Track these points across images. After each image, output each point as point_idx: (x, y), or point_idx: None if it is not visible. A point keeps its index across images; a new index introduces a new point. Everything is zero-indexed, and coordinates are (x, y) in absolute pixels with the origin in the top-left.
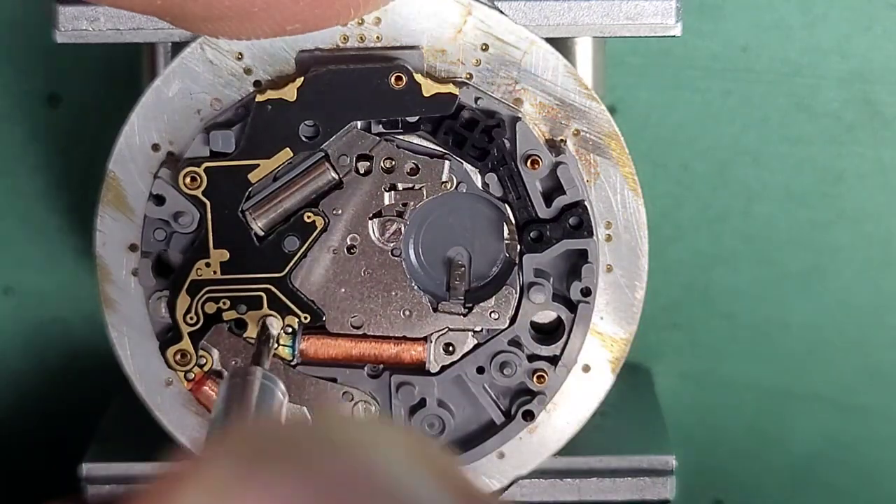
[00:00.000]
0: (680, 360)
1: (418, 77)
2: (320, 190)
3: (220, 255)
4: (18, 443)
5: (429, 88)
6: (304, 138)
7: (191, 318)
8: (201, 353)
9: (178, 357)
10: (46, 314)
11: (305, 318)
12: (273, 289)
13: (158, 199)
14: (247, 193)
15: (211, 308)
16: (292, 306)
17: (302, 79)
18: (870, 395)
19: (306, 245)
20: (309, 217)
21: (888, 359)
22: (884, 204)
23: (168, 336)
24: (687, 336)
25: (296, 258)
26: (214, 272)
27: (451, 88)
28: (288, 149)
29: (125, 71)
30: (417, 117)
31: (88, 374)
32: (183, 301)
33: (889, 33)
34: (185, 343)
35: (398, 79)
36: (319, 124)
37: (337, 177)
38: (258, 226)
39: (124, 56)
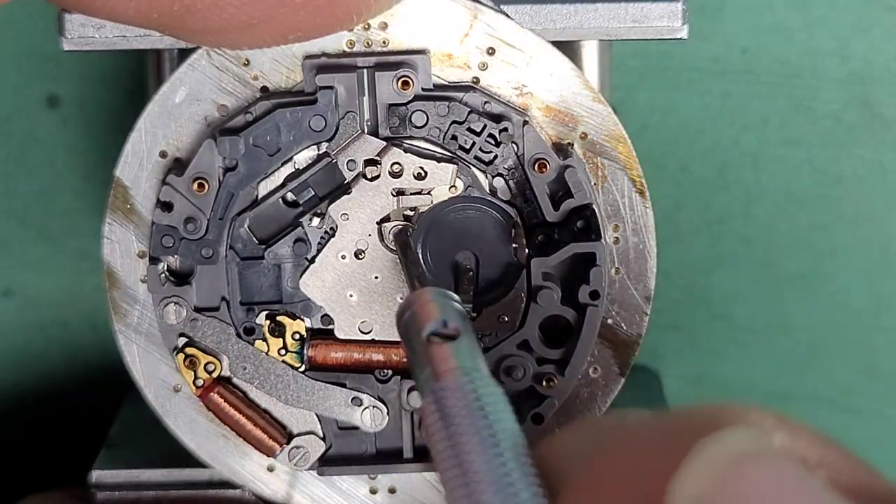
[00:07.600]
0: (679, 362)
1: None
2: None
3: None
4: (19, 444)
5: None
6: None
7: None
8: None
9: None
10: (47, 316)
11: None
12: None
13: (166, 206)
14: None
15: None
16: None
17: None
18: (869, 396)
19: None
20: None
21: (887, 360)
22: (883, 206)
23: (177, 342)
24: (686, 338)
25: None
26: None
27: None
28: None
29: (125, 72)
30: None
31: (89, 375)
32: None
33: (888, 35)
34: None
35: (405, 84)
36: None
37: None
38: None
39: (124, 58)
